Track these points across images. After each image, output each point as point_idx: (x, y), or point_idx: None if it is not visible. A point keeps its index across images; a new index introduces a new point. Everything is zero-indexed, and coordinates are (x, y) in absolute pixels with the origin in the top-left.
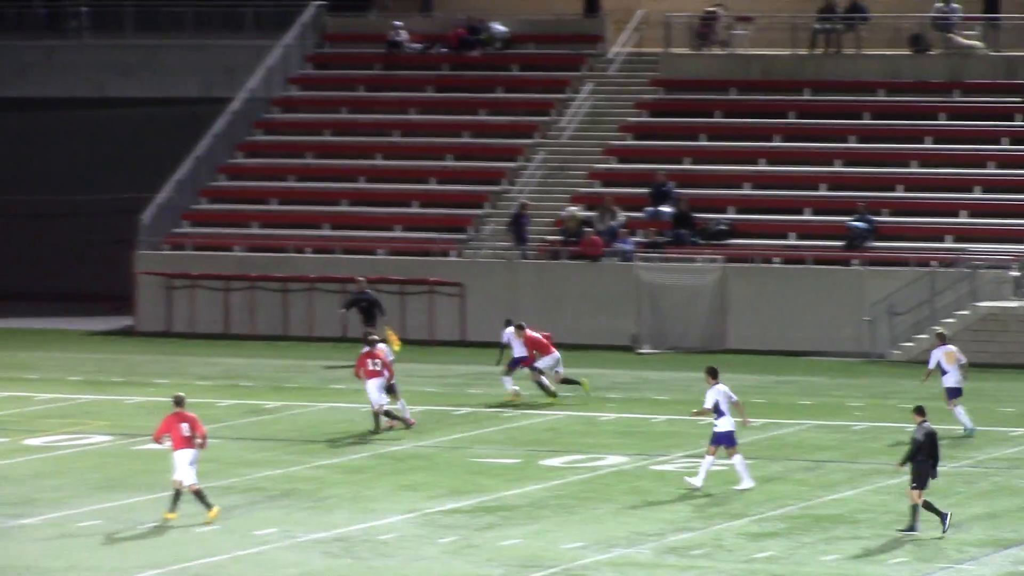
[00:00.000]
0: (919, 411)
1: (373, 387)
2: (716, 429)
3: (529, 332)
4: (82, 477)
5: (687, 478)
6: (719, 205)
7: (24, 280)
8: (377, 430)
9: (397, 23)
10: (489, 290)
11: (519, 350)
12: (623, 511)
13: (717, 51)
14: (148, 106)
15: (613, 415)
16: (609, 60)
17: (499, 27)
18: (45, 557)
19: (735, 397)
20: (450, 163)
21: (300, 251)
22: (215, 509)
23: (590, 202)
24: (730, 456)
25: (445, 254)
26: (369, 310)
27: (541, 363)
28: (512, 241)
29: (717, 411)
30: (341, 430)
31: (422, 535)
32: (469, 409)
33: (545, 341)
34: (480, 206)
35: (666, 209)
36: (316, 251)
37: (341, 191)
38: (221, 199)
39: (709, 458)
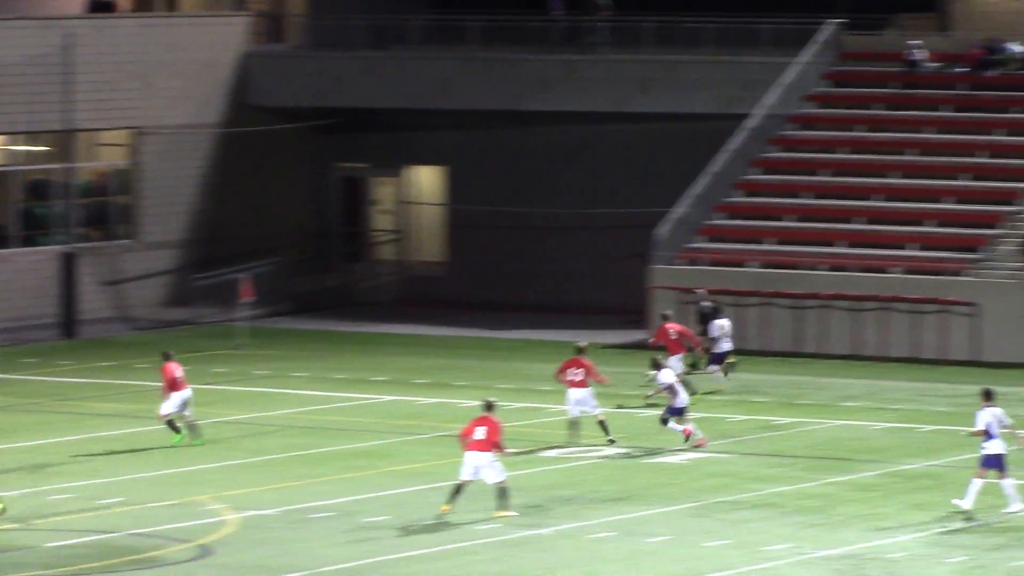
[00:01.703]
0: None
1: (574, 395)
2: (985, 452)
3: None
4: (595, 489)
5: (955, 500)
6: None
7: (545, 292)
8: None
9: (914, 42)
10: (1004, 310)
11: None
12: None
13: None
14: (665, 121)
15: None
16: None
17: (1016, 47)
18: (557, 567)
19: (1008, 421)
20: (966, 182)
21: (814, 268)
22: (498, 512)
23: None
24: (1000, 478)
25: (959, 273)
26: (704, 322)
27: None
28: None
29: (988, 434)
30: (852, 448)
31: (931, 555)
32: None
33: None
34: (994, 226)
35: None
36: (830, 268)
37: (856, 209)
38: (736, 215)
39: (978, 481)
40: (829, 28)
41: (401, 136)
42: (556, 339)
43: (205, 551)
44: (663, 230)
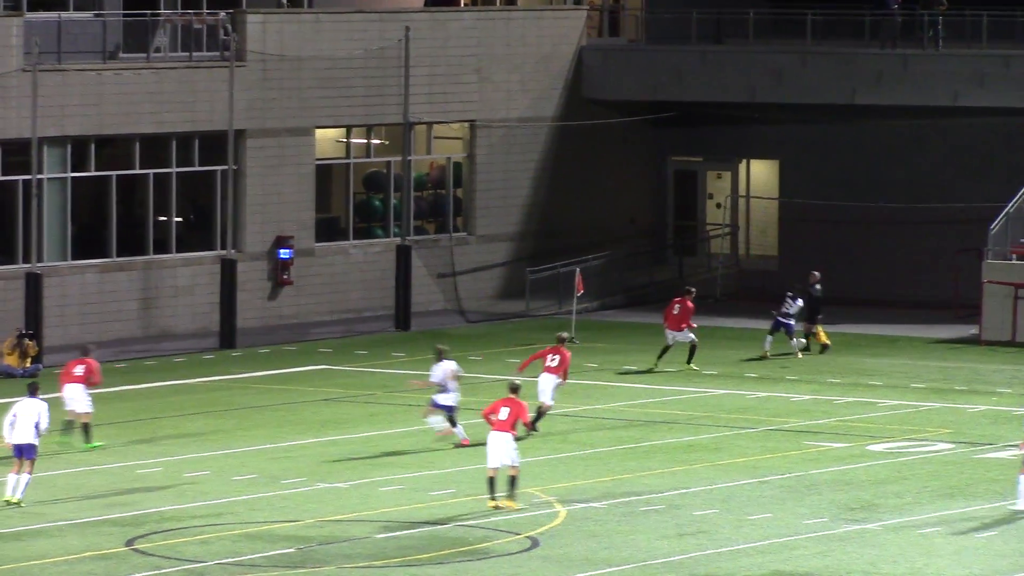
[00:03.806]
0: None
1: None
2: None
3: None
4: (923, 484)
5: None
6: None
7: (876, 285)
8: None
9: None
10: None
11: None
12: None
13: None
14: (1000, 115)
15: None
16: None
17: None
18: (883, 561)
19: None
20: None
21: None
22: (503, 501)
23: None
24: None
25: None
26: (810, 307)
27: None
28: None
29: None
30: None
31: None
32: None
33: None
34: None
35: None
36: None
37: None
38: None
39: None
40: None
41: (736, 130)
42: (887, 334)
43: (534, 543)
44: (996, 225)
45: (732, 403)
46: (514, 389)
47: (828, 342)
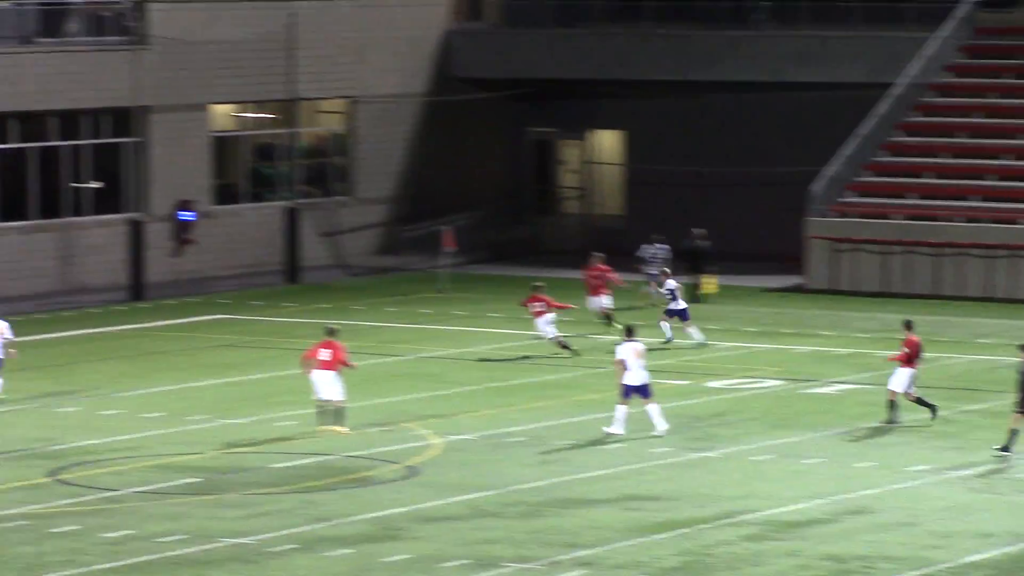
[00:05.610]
0: None
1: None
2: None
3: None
4: (756, 416)
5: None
6: None
7: (714, 241)
8: None
9: None
10: None
11: None
12: None
13: None
14: (819, 90)
15: None
16: None
17: None
18: (724, 486)
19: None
20: None
21: (951, 220)
22: (333, 428)
23: None
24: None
25: None
26: (696, 260)
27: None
28: None
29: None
30: (985, 379)
31: None
32: None
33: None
34: None
35: None
36: (966, 220)
37: (989, 167)
38: (883, 173)
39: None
40: (965, 6)
41: (586, 104)
42: (724, 283)
43: (412, 472)
44: (818, 186)
45: (584, 345)
46: (331, 332)
47: (708, 293)
